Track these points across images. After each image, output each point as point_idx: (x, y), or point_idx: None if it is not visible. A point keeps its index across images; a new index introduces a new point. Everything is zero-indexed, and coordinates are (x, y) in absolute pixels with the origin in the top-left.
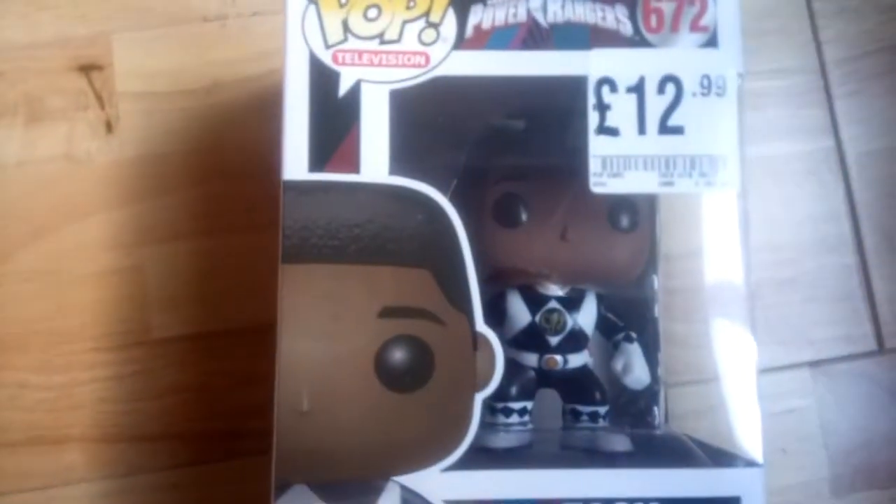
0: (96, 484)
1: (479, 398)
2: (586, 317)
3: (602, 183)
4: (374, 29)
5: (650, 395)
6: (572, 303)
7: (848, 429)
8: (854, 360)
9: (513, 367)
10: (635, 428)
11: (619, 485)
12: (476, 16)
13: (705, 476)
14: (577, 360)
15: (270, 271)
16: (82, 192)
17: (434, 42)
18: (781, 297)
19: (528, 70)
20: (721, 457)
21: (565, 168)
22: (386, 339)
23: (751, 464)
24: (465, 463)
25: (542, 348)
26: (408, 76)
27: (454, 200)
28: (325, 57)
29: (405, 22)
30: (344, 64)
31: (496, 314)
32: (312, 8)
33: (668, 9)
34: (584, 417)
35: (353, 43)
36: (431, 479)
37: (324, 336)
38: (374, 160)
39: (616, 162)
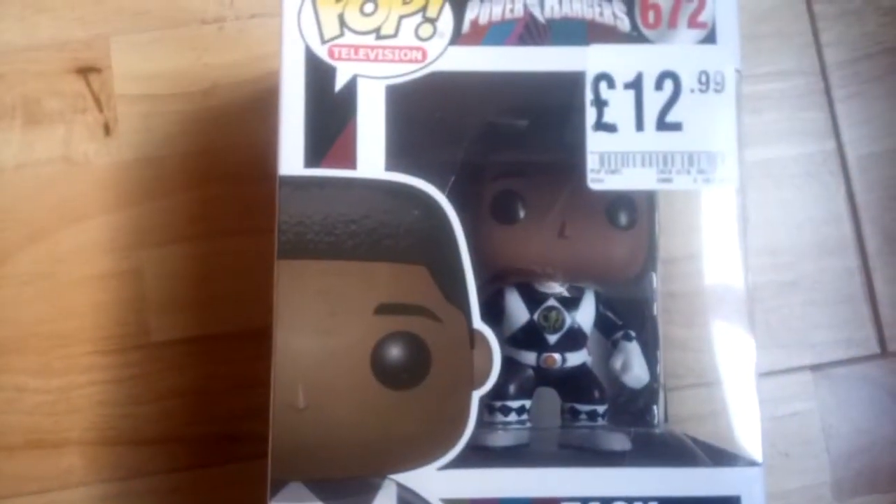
0: (95, 487)
1: (477, 396)
2: (585, 315)
3: (600, 179)
4: (370, 24)
5: (649, 393)
6: (571, 301)
7: (850, 432)
8: (856, 364)
9: (511, 365)
10: (634, 427)
11: (617, 484)
12: (473, 11)
13: (705, 475)
14: (575, 358)
15: (269, 274)
16: (80, 195)
17: (431, 37)
18: (783, 300)
19: (525, 66)
20: (721, 456)
21: (563, 164)
22: (382, 336)
23: (750, 463)
24: (463, 461)
25: (541, 347)
26: (404, 71)
27: (452, 197)
28: (322, 52)
29: (402, 17)
30: (340, 59)
31: (494, 312)
32: (308, 3)
33: (665, 5)
34: (583, 416)
35: (349, 38)
36: (428, 477)
37: (320, 333)
38: (371, 156)
39: (614, 158)
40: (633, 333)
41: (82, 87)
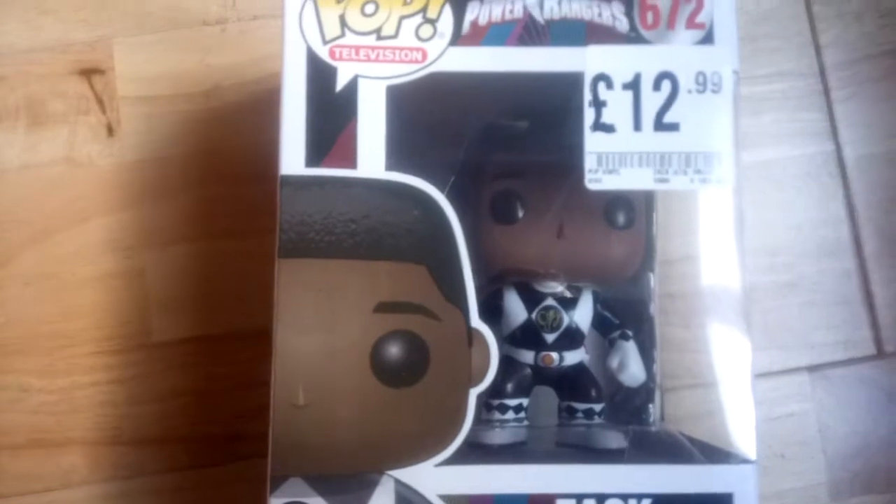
0: (97, 486)
1: (474, 393)
2: (582, 314)
3: (597, 179)
4: (371, 24)
5: (645, 392)
6: (569, 300)
7: (846, 433)
8: (853, 365)
9: (509, 364)
10: (630, 425)
11: (612, 481)
12: (473, 12)
13: (698, 472)
14: (572, 357)
15: (270, 275)
16: (83, 196)
17: (431, 38)
18: (781, 301)
19: (524, 66)
20: (714, 454)
21: (562, 165)
22: (381, 335)
23: (744, 461)
24: (460, 457)
25: (539, 345)
26: (405, 72)
27: (451, 197)
28: (323, 52)
29: (402, 18)
30: (341, 59)
31: (493, 311)
32: (310, 3)
33: (664, 6)
34: (580, 415)
35: (350, 38)
36: (426, 474)
37: (320, 330)
38: (371, 155)
39: (611, 159)
40: (630, 333)
41: (85, 88)
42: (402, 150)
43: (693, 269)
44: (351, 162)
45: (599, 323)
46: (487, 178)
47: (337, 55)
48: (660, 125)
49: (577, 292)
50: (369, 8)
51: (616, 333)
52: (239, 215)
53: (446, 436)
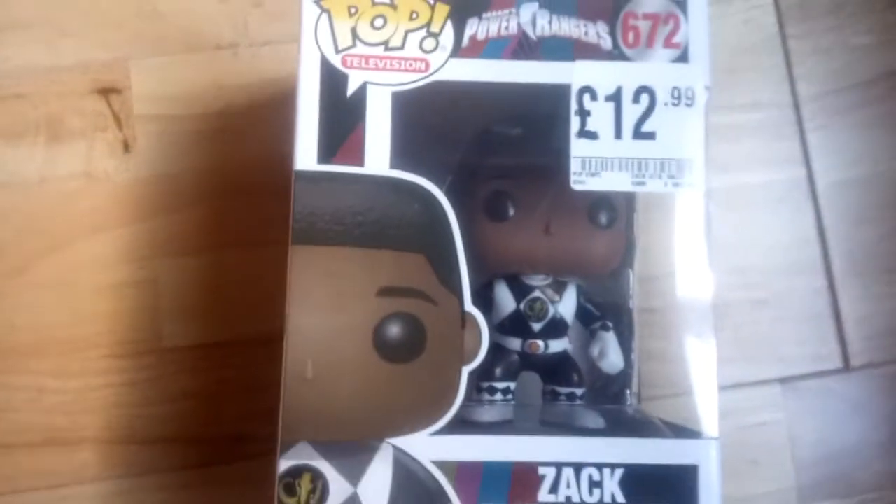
0: (108, 483)
1: (466, 371)
2: (567, 306)
3: (582, 181)
4: (380, 36)
5: (623, 378)
6: (554, 293)
7: (814, 442)
8: (821, 378)
9: (498, 350)
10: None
11: (589, 452)
12: (472, 27)
13: (667, 446)
14: (557, 345)
15: (277, 284)
16: (100, 208)
17: (434, 50)
18: (754, 316)
19: (517, 78)
20: (682, 431)
21: (550, 168)
22: (383, 316)
23: (709, 438)
24: (452, 428)
25: (526, 334)
26: (409, 80)
27: (448, 195)
28: (336, 60)
29: (408, 31)
30: (352, 67)
31: (484, 301)
32: (325, 16)
33: (644, 26)
34: (562, 397)
35: (360, 49)
36: (421, 442)
37: (328, 311)
38: (377, 154)
39: (594, 163)
40: (610, 324)
41: (103, 106)
42: (405, 151)
43: (671, 286)
44: (359, 160)
45: (582, 314)
46: (482, 179)
47: (348, 63)
48: (638, 134)
49: (563, 286)
50: (378, 22)
51: (597, 324)
52: (247, 227)
53: (440, 408)
